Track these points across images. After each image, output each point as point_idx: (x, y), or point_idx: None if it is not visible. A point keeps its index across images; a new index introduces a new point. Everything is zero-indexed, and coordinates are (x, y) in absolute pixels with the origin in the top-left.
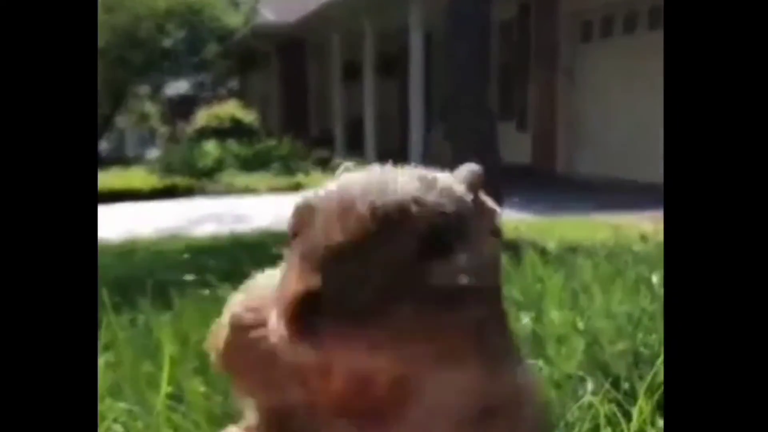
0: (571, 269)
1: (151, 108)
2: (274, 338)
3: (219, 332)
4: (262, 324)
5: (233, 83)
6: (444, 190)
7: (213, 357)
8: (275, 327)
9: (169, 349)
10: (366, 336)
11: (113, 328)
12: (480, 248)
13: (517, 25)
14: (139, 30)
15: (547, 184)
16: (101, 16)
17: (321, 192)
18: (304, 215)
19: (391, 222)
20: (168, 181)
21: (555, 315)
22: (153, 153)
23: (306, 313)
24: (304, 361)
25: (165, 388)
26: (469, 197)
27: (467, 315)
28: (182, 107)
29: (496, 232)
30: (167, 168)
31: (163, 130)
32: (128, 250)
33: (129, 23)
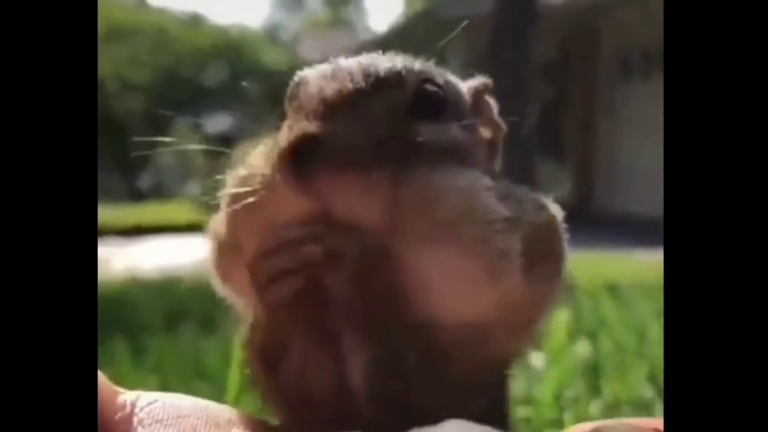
0: (623, 301)
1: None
2: (269, 190)
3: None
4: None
5: (273, 120)
6: (440, 71)
7: (212, 250)
8: (269, 178)
9: (234, 372)
10: (362, 179)
11: (161, 352)
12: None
13: (557, 64)
14: (182, 68)
15: (585, 220)
16: (146, 57)
17: (308, 71)
18: (296, 86)
19: (381, 79)
20: (208, 215)
21: (614, 342)
22: (193, 188)
23: (303, 155)
24: (300, 209)
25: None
26: (469, 96)
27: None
28: (222, 143)
29: (494, 142)
30: (207, 203)
31: (202, 165)
32: (171, 282)
33: (172, 62)
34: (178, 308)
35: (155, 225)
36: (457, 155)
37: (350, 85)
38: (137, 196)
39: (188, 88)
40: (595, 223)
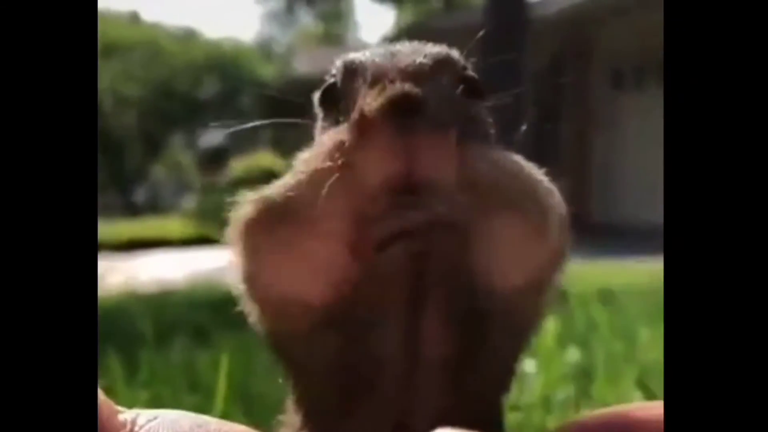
0: (615, 308)
1: (185, 158)
2: (357, 156)
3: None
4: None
5: (267, 134)
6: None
7: (239, 234)
8: (356, 144)
9: (221, 385)
10: (449, 140)
11: (153, 366)
12: None
13: (549, 73)
14: (176, 82)
15: (580, 229)
16: (138, 71)
17: (357, 54)
18: (350, 68)
19: (440, 59)
20: (202, 230)
21: (605, 347)
22: (188, 202)
23: (403, 113)
24: (389, 172)
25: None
26: None
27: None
28: (216, 158)
29: None
30: (202, 217)
31: (197, 179)
32: (164, 296)
33: (166, 76)
34: (173, 322)
35: (151, 239)
36: (486, 130)
37: (420, 60)
38: (133, 211)
39: (182, 102)
40: (591, 232)
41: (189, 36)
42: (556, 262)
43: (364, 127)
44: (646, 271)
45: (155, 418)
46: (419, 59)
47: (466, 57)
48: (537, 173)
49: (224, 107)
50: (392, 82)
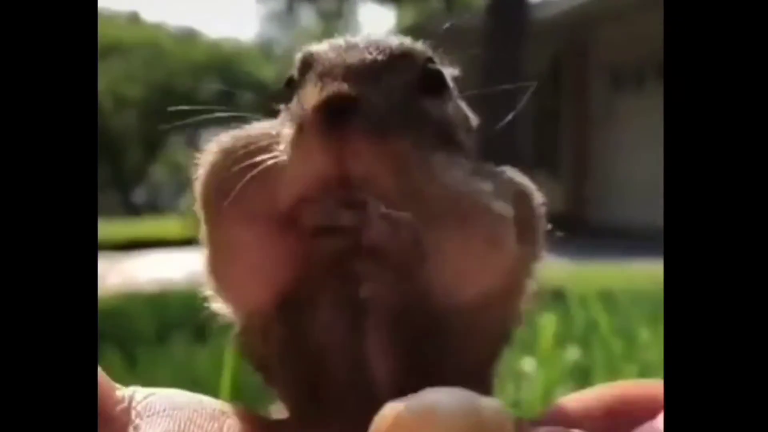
0: (615, 308)
1: (185, 158)
2: (293, 149)
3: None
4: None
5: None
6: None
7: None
8: (294, 137)
9: (225, 381)
10: (387, 144)
11: (152, 366)
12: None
13: (548, 74)
14: (176, 82)
15: (579, 230)
16: (138, 71)
17: (316, 46)
18: (308, 58)
19: (396, 54)
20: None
21: (605, 347)
22: (187, 203)
23: (337, 113)
24: (321, 170)
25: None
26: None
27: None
28: None
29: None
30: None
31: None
32: (163, 296)
33: (166, 76)
34: (171, 320)
35: (150, 239)
36: (449, 130)
37: (372, 56)
38: (132, 211)
39: (182, 102)
40: (589, 233)
41: (189, 36)
42: (521, 269)
43: (298, 124)
44: (645, 273)
45: (152, 394)
46: (371, 55)
47: (434, 48)
48: (480, 185)
49: (224, 107)
50: (335, 79)
